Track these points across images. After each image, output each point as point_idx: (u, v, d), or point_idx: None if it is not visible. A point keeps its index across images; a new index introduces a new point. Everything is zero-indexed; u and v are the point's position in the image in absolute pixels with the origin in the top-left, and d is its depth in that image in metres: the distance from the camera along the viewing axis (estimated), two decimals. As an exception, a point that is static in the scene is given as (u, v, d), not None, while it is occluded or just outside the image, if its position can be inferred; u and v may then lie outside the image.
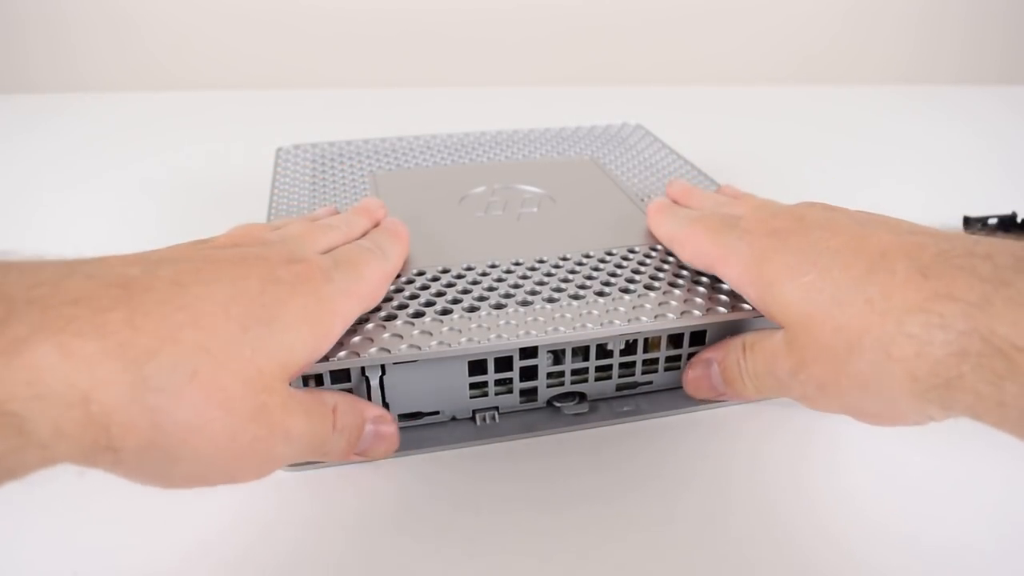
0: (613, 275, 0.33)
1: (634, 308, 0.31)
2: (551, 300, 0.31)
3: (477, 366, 0.31)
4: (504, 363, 0.31)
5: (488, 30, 1.05)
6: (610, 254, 0.36)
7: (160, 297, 0.22)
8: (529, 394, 0.33)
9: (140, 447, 0.20)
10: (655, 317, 0.30)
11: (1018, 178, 0.63)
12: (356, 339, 0.28)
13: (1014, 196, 0.57)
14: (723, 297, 0.31)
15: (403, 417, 0.32)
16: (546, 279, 0.33)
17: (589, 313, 0.30)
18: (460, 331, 0.29)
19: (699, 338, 0.33)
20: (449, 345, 0.28)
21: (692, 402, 0.34)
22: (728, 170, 0.51)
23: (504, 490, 0.30)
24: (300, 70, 1.06)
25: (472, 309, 0.31)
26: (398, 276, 0.33)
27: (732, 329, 0.32)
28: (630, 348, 0.32)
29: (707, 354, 0.32)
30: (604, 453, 0.31)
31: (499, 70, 1.07)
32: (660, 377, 0.34)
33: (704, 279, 0.33)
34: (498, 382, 0.32)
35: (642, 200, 0.43)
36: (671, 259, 0.35)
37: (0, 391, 0.17)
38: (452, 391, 0.31)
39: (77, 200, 0.59)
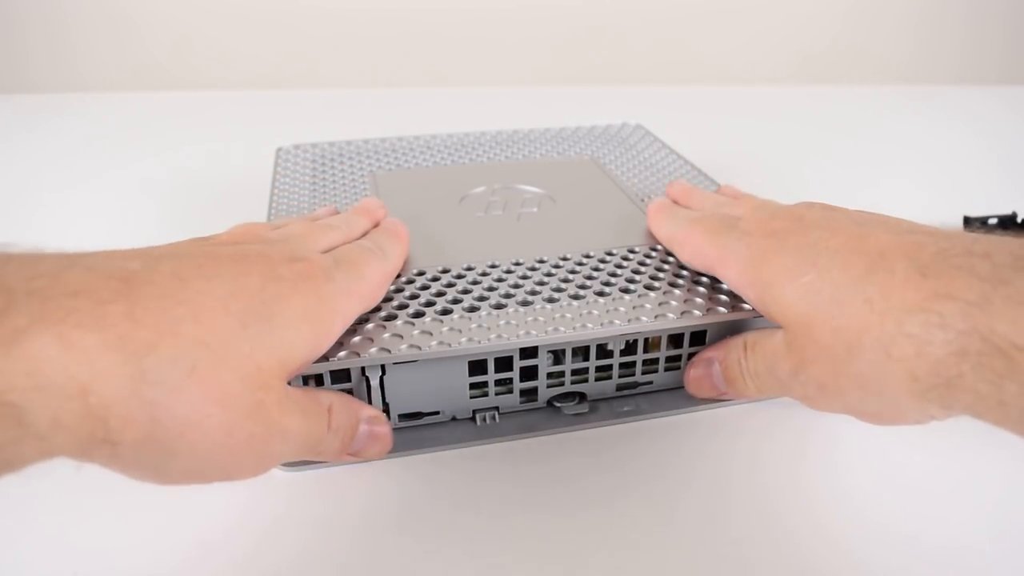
0: (613, 275, 0.33)
1: (634, 308, 0.31)
2: (551, 300, 0.31)
3: (477, 366, 0.31)
4: (504, 363, 0.31)
5: (488, 30, 1.05)
6: (610, 254, 0.36)
7: (160, 291, 0.22)
8: (529, 394, 0.33)
9: (138, 440, 0.20)
10: (655, 317, 0.30)
11: (1018, 178, 0.63)
12: (356, 339, 0.28)
13: (1014, 196, 0.57)
14: (723, 297, 0.31)
15: (403, 417, 0.32)
16: (546, 279, 0.33)
17: (589, 313, 0.30)
18: (460, 331, 0.29)
19: (699, 338, 0.33)
20: (449, 345, 0.28)
21: (692, 402, 0.34)
22: (728, 170, 0.51)
23: (504, 490, 0.30)
24: (300, 70, 1.06)
25: (472, 309, 0.31)
26: (398, 276, 0.33)
27: (732, 329, 0.32)
28: (630, 348, 0.32)
29: (709, 353, 0.32)
30: (604, 453, 0.31)
31: (499, 70, 1.07)
32: (660, 377, 0.34)
33: (704, 279, 0.33)
34: (498, 382, 0.32)
35: (642, 200, 0.43)
36: (671, 259, 0.35)
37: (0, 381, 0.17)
38: (452, 391, 0.31)
39: (77, 200, 0.59)
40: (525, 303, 0.31)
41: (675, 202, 0.39)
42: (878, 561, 0.26)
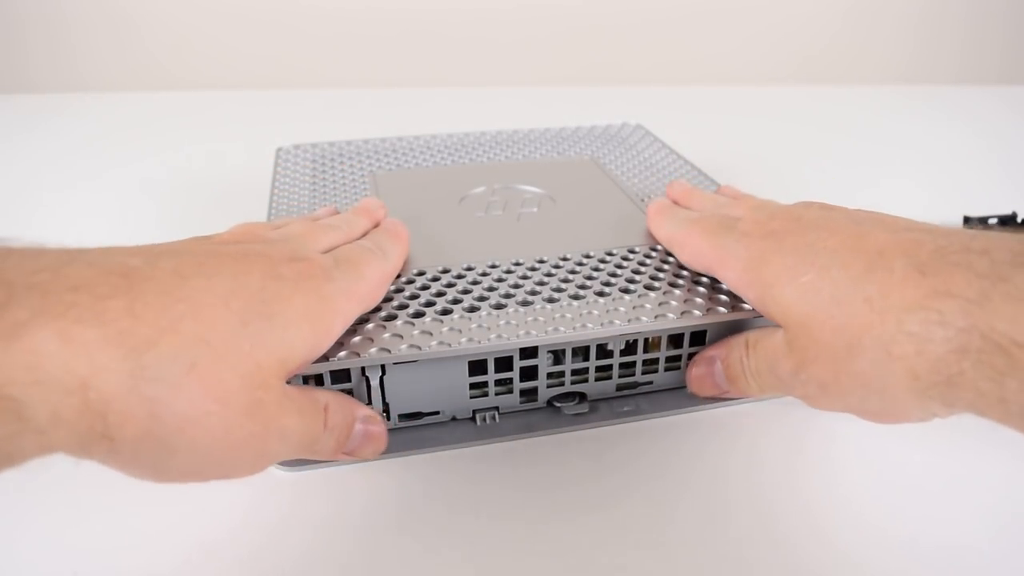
0: (613, 275, 0.33)
1: (634, 308, 0.31)
2: (551, 300, 0.31)
3: (477, 366, 0.31)
4: (504, 363, 0.31)
5: (488, 30, 1.05)
6: (610, 254, 0.36)
7: (161, 287, 0.22)
8: (529, 394, 0.33)
9: (136, 437, 0.20)
10: (655, 317, 0.30)
11: (1018, 178, 0.63)
12: (356, 339, 0.28)
13: (1014, 196, 0.57)
14: (723, 297, 0.31)
15: (403, 417, 0.32)
16: (546, 279, 0.33)
17: (589, 313, 0.30)
18: (460, 331, 0.29)
19: (699, 338, 0.33)
20: (449, 345, 0.28)
21: (692, 402, 0.34)
22: (728, 170, 0.51)
23: (504, 490, 0.30)
24: (300, 70, 1.06)
25: (472, 309, 0.31)
26: (398, 276, 0.33)
27: (732, 329, 0.32)
28: (630, 348, 0.32)
29: (711, 352, 0.32)
30: (604, 453, 0.31)
31: (499, 70, 1.07)
32: (660, 377, 0.34)
33: (704, 279, 0.33)
34: (498, 382, 0.32)
35: (642, 200, 0.43)
36: (671, 259, 0.35)
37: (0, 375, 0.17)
38: (452, 391, 0.31)
39: (77, 200, 0.59)
40: (525, 303, 0.31)
41: (675, 202, 0.39)
42: (879, 562, 0.26)
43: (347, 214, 0.36)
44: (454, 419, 0.33)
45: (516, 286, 0.32)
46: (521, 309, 0.31)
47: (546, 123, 0.60)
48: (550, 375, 0.32)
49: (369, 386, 0.30)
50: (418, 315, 0.30)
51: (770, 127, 0.79)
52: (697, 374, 0.32)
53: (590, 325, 0.29)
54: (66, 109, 0.84)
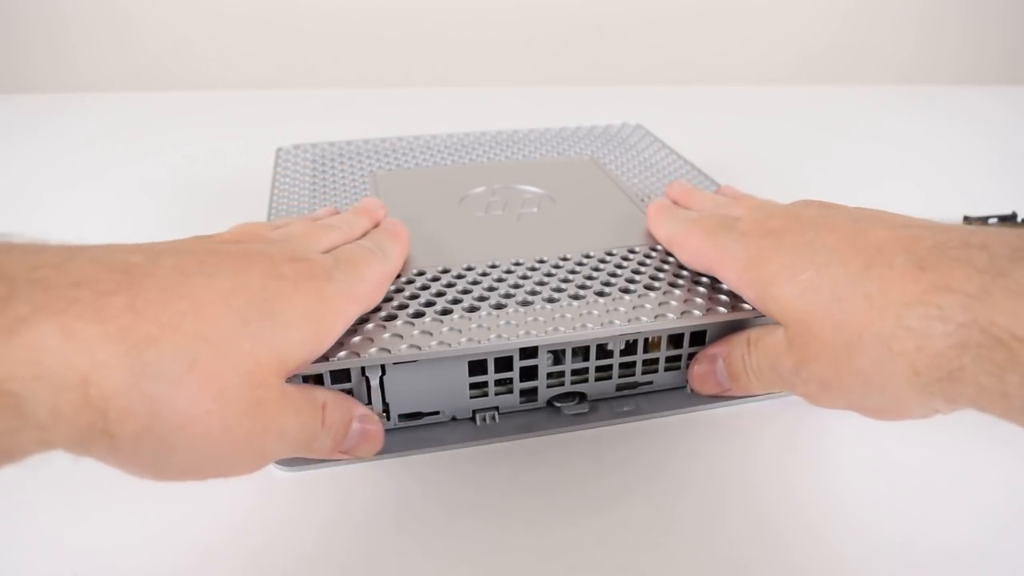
0: (613, 275, 0.33)
1: (634, 308, 0.31)
2: (551, 300, 0.31)
3: (477, 366, 0.31)
4: (504, 363, 0.31)
5: (488, 30, 1.05)
6: (610, 254, 0.36)
7: (162, 284, 0.22)
8: (529, 394, 0.33)
9: (136, 433, 0.20)
10: (655, 317, 0.30)
11: (1018, 178, 0.63)
12: (356, 339, 0.28)
13: (1014, 196, 0.57)
14: (723, 297, 0.31)
15: (403, 417, 0.32)
16: (546, 279, 0.33)
17: (589, 313, 0.30)
18: (460, 331, 0.29)
19: (699, 338, 0.33)
20: (449, 345, 0.28)
21: (693, 401, 0.34)
22: (728, 170, 0.51)
23: (504, 490, 0.30)
24: (300, 70, 1.06)
25: (472, 309, 0.31)
26: (398, 276, 0.33)
27: (732, 329, 0.32)
28: (630, 348, 0.32)
29: (712, 350, 0.32)
30: (604, 453, 0.31)
31: (499, 70, 1.07)
32: (660, 377, 0.34)
33: (704, 279, 0.33)
34: (498, 382, 0.32)
35: (642, 200, 0.43)
36: (671, 259, 0.35)
37: (0, 370, 0.17)
38: (452, 391, 0.31)
39: (77, 200, 0.59)
40: (525, 303, 0.31)
41: (675, 202, 0.39)
42: (877, 563, 0.26)
43: (347, 214, 0.36)
44: (454, 419, 0.33)
45: (516, 286, 0.32)
46: (521, 309, 0.31)
47: (546, 123, 0.60)
48: (550, 375, 0.32)
49: (369, 386, 0.30)
50: (418, 315, 0.30)
51: (770, 127, 0.79)
52: (699, 372, 0.32)
53: (590, 325, 0.29)
54: (66, 109, 0.84)
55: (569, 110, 0.85)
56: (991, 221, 0.48)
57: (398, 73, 1.06)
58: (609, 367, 0.33)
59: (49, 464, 0.20)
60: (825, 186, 0.62)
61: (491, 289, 0.32)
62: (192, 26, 1.04)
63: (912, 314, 0.23)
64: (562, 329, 0.29)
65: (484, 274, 0.34)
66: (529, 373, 0.32)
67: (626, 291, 0.32)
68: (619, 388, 0.34)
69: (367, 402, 0.30)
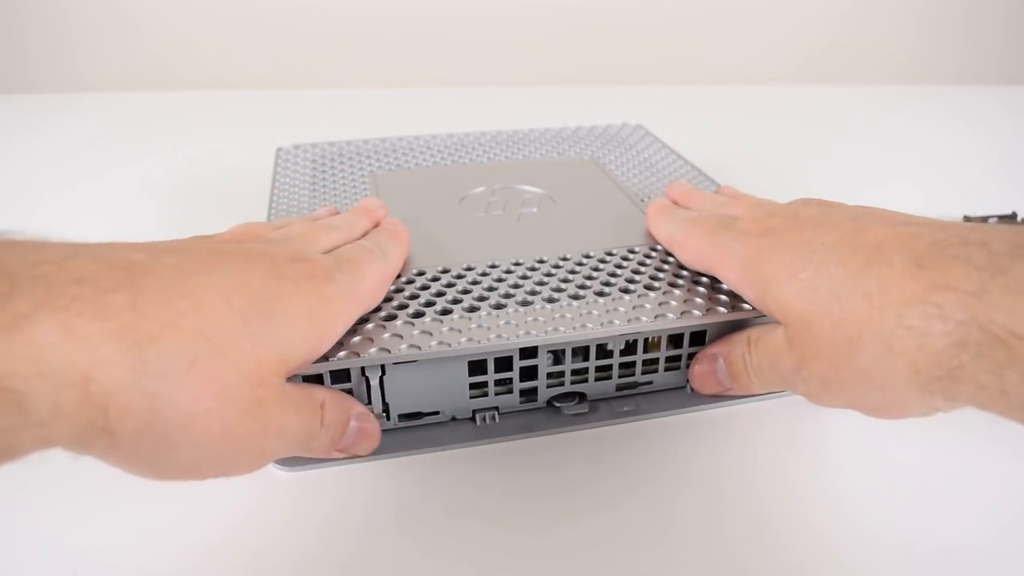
0: (613, 275, 0.33)
1: (634, 308, 0.31)
2: (551, 300, 0.31)
3: (477, 366, 0.31)
4: (504, 363, 0.31)
5: (488, 30, 1.05)
6: (610, 254, 0.36)
7: (163, 283, 0.22)
8: (529, 394, 0.33)
9: (137, 431, 0.20)
10: (655, 317, 0.30)
11: (1018, 178, 0.63)
12: (356, 339, 0.28)
13: (1014, 196, 0.57)
14: (723, 297, 0.31)
15: (403, 417, 0.32)
16: (546, 279, 0.33)
17: (589, 313, 0.30)
18: (460, 331, 0.29)
19: (699, 338, 0.33)
20: (449, 345, 0.28)
21: (693, 401, 0.34)
22: (728, 170, 0.51)
23: (504, 490, 0.30)
24: (300, 70, 1.06)
25: (472, 309, 0.31)
26: (398, 276, 0.33)
27: (732, 329, 0.32)
28: (630, 348, 0.32)
29: (713, 349, 0.32)
30: (604, 453, 0.31)
31: (499, 70, 1.07)
32: (660, 377, 0.34)
33: (704, 279, 0.33)
34: (498, 382, 0.32)
35: (642, 200, 0.43)
36: (671, 259, 0.35)
37: (1, 367, 0.17)
38: (452, 391, 0.31)
39: (77, 200, 0.59)
40: (525, 303, 0.31)
41: (675, 203, 0.39)
42: (877, 564, 0.26)
43: (347, 214, 0.36)
44: (454, 419, 0.33)
45: (516, 286, 0.32)
46: (521, 309, 0.31)
47: (546, 123, 0.60)
48: (550, 375, 0.32)
49: (369, 386, 0.30)
50: (418, 315, 0.30)
51: (770, 127, 0.79)
52: (700, 371, 0.32)
53: (590, 325, 0.29)
54: (66, 109, 0.84)
55: (569, 110, 0.85)
56: (991, 221, 0.48)
57: (398, 73, 1.06)
58: (609, 367, 0.33)
59: (49, 463, 0.20)
60: (825, 186, 0.62)
61: (491, 289, 0.32)
62: (192, 26, 1.04)
63: (911, 313, 0.23)
64: (562, 329, 0.29)
65: (484, 274, 0.34)
66: (529, 373, 0.32)
67: (626, 291, 0.32)
68: (619, 388, 0.34)
69: (367, 402, 0.30)
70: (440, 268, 0.34)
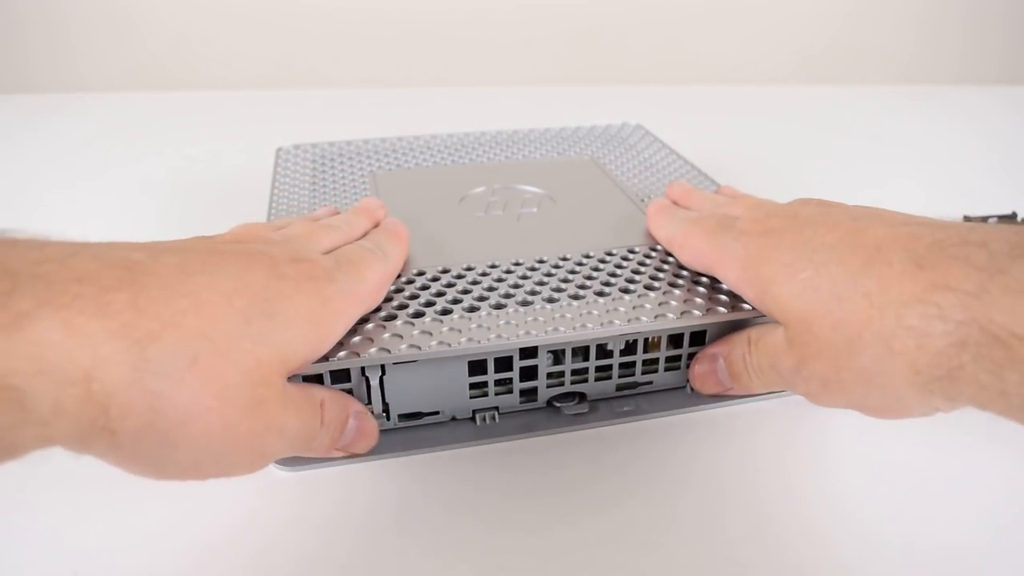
0: (613, 275, 0.33)
1: (634, 308, 0.31)
2: (551, 300, 0.31)
3: (477, 366, 0.31)
4: (504, 363, 0.31)
5: (488, 30, 1.05)
6: (610, 254, 0.36)
7: (164, 282, 0.22)
8: (529, 394, 0.33)
9: (138, 430, 0.20)
10: (655, 317, 0.30)
11: (1018, 178, 0.63)
12: (356, 339, 0.28)
13: (1014, 196, 0.57)
14: (723, 297, 0.31)
15: (403, 417, 0.32)
16: (546, 279, 0.33)
17: (589, 313, 0.30)
18: (460, 331, 0.29)
19: (699, 338, 0.33)
20: (449, 345, 0.28)
21: (693, 401, 0.34)
22: (728, 170, 0.51)
23: (504, 490, 0.30)
24: (300, 70, 1.06)
25: (472, 309, 0.31)
26: (398, 276, 0.33)
27: (732, 329, 0.32)
28: (630, 348, 0.32)
29: (713, 349, 0.32)
30: (604, 453, 0.31)
31: (499, 70, 1.07)
32: (660, 377, 0.34)
33: (704, 279, 0.33)
34: (498, 382, 0.32)
35: (642, 200, 0.43)
36: (671, 259, 0.35)
37: (2, 365, 0.17)
38: (452, 391, 0.31)
39: (77, 200, 0.59)
40: (525, 303, 0.31)
41: (674, 203, 0.39)
42: (877, 564, 0.26)
43: (347, 214, 0.36)
44: (454, 419, 0.33)
45: (516, 286, 0.32)
46: (521, 309, 0.31)
47: (546, 123, 0.60)
48: (550, 375, 0.32)
49: (369, 386, 0.30)
50: (418, 315, 0.30)
51: (770, 127, 0.79)
52: (700, 371, 0.32)
53: (590, 325, 0.29)
54: (66, 109, 0.84)
55: (569, 110, 0.85)
56: (991, 221, 0.48)
57: (398, 73, 1.06)
58: (609, 367, 0.33)
59: (49, 463, 0.20)
60: (825, 186, 0.62)
61: (491, 289, 0.32)
62: (192, 26, 1.04)
63: (911, 313, 0.23)
64: (562, 329, 0.29)
65: (484, 274, 0.34)
66: (529, 373, 0.32)
67: (626, 291, 0.32)
68: (619, 388, 0.34)
69: (367, 402, 0.30)
70: (440, 268, 0.34)
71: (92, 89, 1.03)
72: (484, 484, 0.30)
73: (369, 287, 0.29)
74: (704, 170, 0.49)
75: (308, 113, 0.84)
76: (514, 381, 0.32)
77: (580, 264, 0.34)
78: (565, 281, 0.33)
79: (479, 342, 0.28)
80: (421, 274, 0.34)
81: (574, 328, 0.29)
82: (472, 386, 0.31)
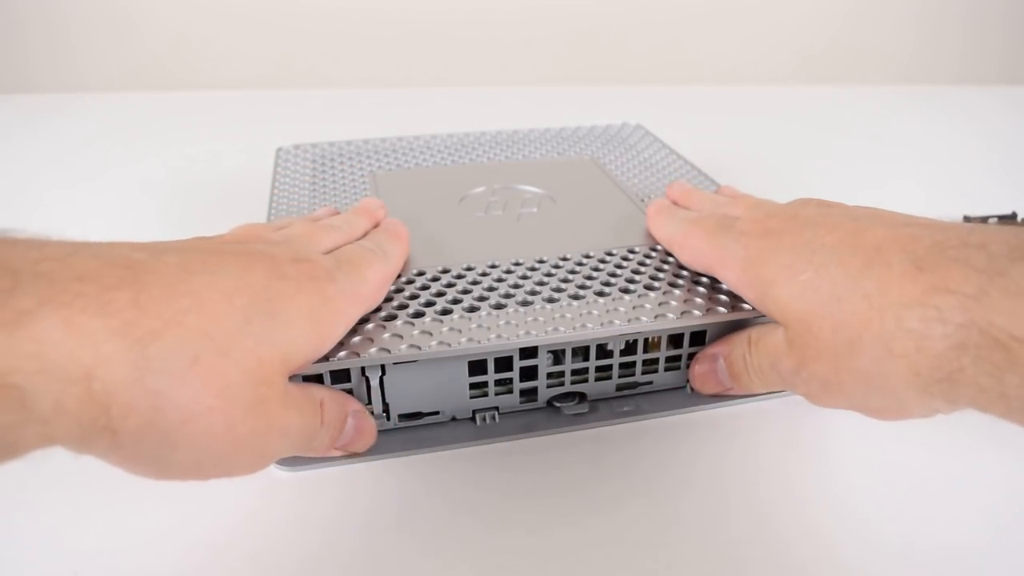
0: (613, 275, 0.33)
1: (634, 308, 0.31)
2: (551, 300, 0.31)
3: (477, 366, 0.31)
4: (504, 363, 0.31)
5: (488, 30, 1.05)
6: (610, 254, 0.36)
7: (165, 281, 0.22)
8: (529, 394, 0.33)
9: (139, 429, 0.20)
10: (655, 317, 0.30)
11: (1018, 178, 0.63)
12: (356, 339, 0.28)
13: (1014, 196, 0.57)
14: (723, 297, 0.31)
15: (403, 417, 0.32)
16: (546, 279, 0.33)
17: (589, 313, 0.30)
18: (460, 331, 0.29)
19: (699, 338, 0.33)
20: (449, 345, 0.28)
21: (693, 401, 0.34)
22: (728, 170, 0.51)
23: (504, 490, 0.30)
24: (300, 70, 1.06)
25: (472, 309, 0.31)
26: (398, 276, 0.33)
27: (732, 329, 0.32)
28: (630, 348, 0.32)
29: (713, 349, 0.32)
30: (604, 454, 0.31)
31: (499, 70, 1.07)
32: (660, 377, 0.34)
33: (704, 279, 0.33)
34: (498, 382, 0.32)
35: (642, 200, 0.43)
36: (671, 259, 0.35)
37: (3, 363, 0.17)
38: (452, 391, 0.31)
39: (77, 200, 0.59)
40: (525, 303, 0.31)
41: (675, 203, 0.39)
42: (878, 564, 0.26)
43: (347, 214, 0.36)
44: (454, 419, 0.33)
45: (516, 286, 0.32)
46: (521, 309, 0.31)
47: (546, 123, 0.60)
48: (550, 375, 0.32)
49: (369, 386, 0.30)
50: (418, 315, 0.30)
51: (770, 127, 0.79)
52: (700, 371, 0.32)
53: (590, 325, 0.29)
54: (66, 109, 0.84)
55: (569, 110, 0.85)
56: (991, 221, 0.48)
57: (398, 73, 1.06)
58: (609, 367, 0.33)
59: (50, 462, 0.20)
60: (825, 186, 0.62)
61: (491, 289, 0.32)
62: (192, 26, 1.04)
63: (911, 315, 0.23)
64: (562, 329, 0.29)
65: (484, 274, 0.34)
66: (529, 373, 0.32)
67: (626, 291, 0.32)
68: (619, 388, 0.34)
69: (367, 402, 0.30)
70: (440, 268, 0.34)
71: (92, 89, 1.03)
72: (484, 484, 0.30)
73: (370, 287, 0.29)
74: (704, 170, 0.49)
75: (308, 113, 0.84)
76: (514, 381, 0.32)
77: (580, 264, 0.34)
78: (565, 281, 0.33)
79: (479, 342, 0.28)
80: (421, 274, 0.34)
81: (574, 328, 0.29)
82: (472, 386, 0.31)
